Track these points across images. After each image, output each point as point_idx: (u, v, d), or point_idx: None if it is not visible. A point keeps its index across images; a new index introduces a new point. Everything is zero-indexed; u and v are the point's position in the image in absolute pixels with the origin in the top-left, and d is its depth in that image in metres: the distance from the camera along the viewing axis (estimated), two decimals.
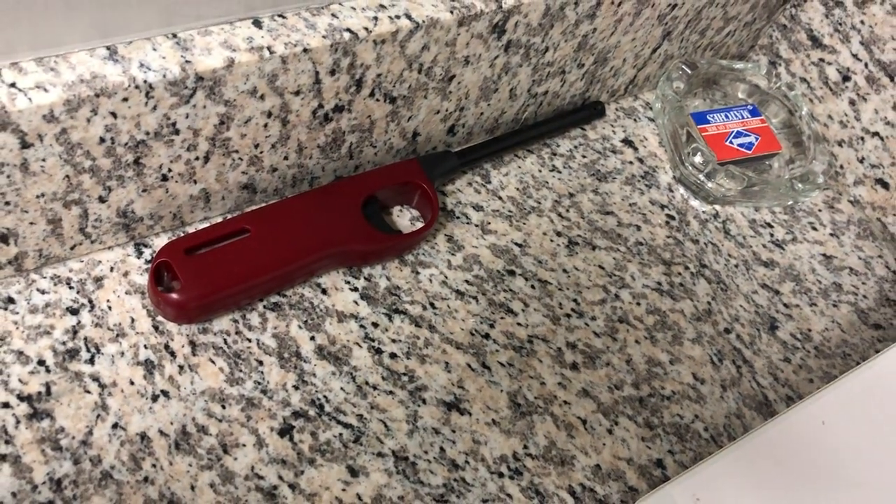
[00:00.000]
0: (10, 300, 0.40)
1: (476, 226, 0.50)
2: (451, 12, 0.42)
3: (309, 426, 0.41)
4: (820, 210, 0.60)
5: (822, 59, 0.61)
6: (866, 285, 0.56)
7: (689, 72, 0.59)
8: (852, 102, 0.59)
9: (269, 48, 0.38)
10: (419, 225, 0.49)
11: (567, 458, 0.43)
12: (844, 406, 0.46)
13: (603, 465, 0.44)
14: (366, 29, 0.40)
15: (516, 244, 0.51)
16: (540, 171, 0.55)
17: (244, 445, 0.39)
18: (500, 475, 0.42)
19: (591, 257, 0.51)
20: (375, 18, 0.41)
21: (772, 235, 0.57)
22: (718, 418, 0.47)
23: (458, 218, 0.50)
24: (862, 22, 0.57)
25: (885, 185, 0.59)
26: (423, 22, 0.41)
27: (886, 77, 0.57)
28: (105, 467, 0.37)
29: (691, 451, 0.46)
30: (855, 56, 0.58)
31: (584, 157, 0.56)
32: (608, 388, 0.46)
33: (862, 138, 0.59)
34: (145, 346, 0.41)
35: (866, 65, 0.58)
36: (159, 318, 0.42)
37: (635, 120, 0.60)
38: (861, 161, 0.60)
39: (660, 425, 0.46)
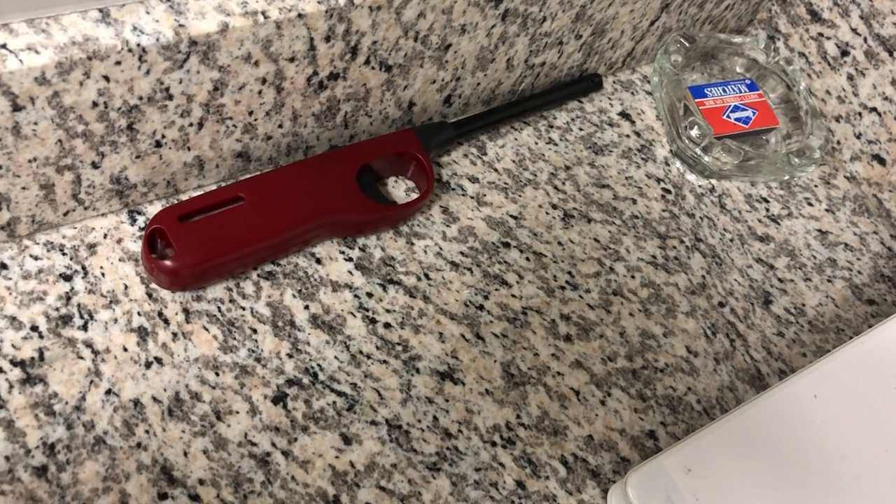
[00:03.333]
0: (3, 266, 0.40)
1: (471, 197, 0.50)
2: None
3: (302, 394, 0.41)
4: (816, 185, 0.60)
5: (820, 34, 0.60)
6: (861, 261, 0.56)
7: (688, 45, 0.59)
8: (850, 77, 0.59)
9: (263, 13, 0.37)
10: (414, 196, 0.49)
11: (560, 429, 0.43)
12: (836, 380, 0.46)
13: (595, 436, 0.44)
14: None
15: (512, 216, 0.50)
16: (536, 143, 0.54)
17: (237, 412, 0.39)
18: (493, 444, 0.42)
19: (587, 230, 0.51)
20: None
21: (767, 210, 0.57)
22: (711, 391, 0.47)
23: (453, 189, 0.50)
24: None
25: (882, 161, 0.59)
26: None
27: (885, 52, 0.56)
28: (98, 433, 0.37)
29: (683, 423, 0.46)
30: (854, 30, 0.58)
31: (580, 129, 0.56)
32: (601, 360, 0.46)
33: (859, 114, 0.59)
34: (139, 313, 0.41)
35: (865, 39, 0.57)
36: (153, 285, 0.42)
37: (633, 93, 0.60)
38: (858, 137, 0.60)
39: (652, 397, 0.46)
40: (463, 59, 0.48)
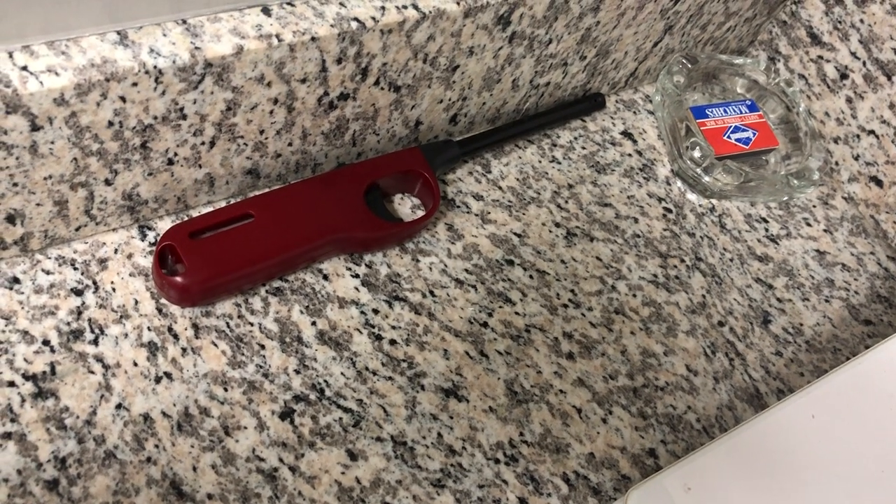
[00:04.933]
0: (16, 280, 0.40)
1: (476, 215, 0.51)
2: (458, 3, 0.42)
3: (309, 410, 0.41)
4: (814, 206, 0.61)
5: (820, 57, 0.61)
6: (858, 281, 0.57)
7: (690, 66, 0.60)
8: (849, 100, 0.60)
9: (277, 36, 0.38)
10: (420, 213, 0.50)
11: (562, 446, 0.44)
12: (834, 401, 0.47)
13: (597, 454, 0.44)
14: (373, 18, 0.40)
15: (515, 234, 0.51)
16: (540, 161, 0.55)
17: (245, 428, 0.40)
18: (497, 461, 0.43)
19: (589, 248, 0.52)
20: (383, 8, 0.41)
21: (767, 230, 0.58)
22: (710, 410, 0.48)
23: (458, 207, 0.51)
24: (861, 20, 0.58)
25: (879, 183, 0.59)
26: (430, 13, 0.42)
27: (884, 76, 0.57)
28: (108, 447, 0.38)
29: (683, 441, 0.46)
30: (853, 54, 0.59)
31: (583, 148, 0.57)
32: (603, 378, 0.47)
33: (858, 136, 0.60)
34: (149, 329, 0.41)
35: (864, 63, 0.58)
36: (163, 300, 0.42)
37: (635, 112, 0.61)
38: (856, 158, 0.61)
39: (653, 415, 0.47)
40: (470, 79, 0.49)
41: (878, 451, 0.46)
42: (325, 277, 0.46)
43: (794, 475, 0.45)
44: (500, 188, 0.53)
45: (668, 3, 0.54)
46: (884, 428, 0.47)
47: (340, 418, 0.41)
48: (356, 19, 0.40)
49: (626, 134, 0.59)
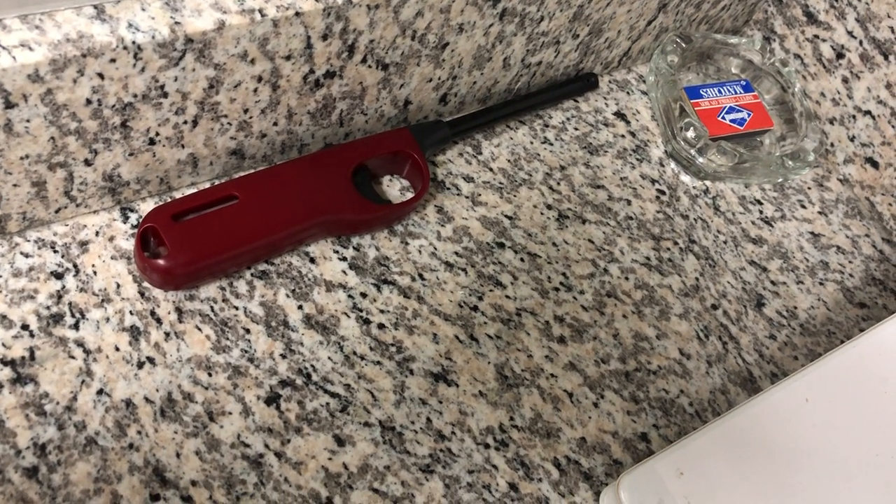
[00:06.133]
0: None
1: (466, 197, 0.50)
2: None
3: (296, 395, 0.40)
4: (809, 188, 0.60)
5: (816, 36, 0.60)
6: (853, 264, 0.56)
7: (684, 45, 0.59)
8: (845, 80, 0.59)
9: (260, 11, 0.37)
10: (409, 195, 0.49)
11: (553, 431, 0.43)
12: (828, 384, 0.47)
13: (588, 438, 0.44)
14: None
15: (506, 216, 0.50)
16: (531, 142, 0.54)
17: (230, 413, 0.39)
18: (486, 446, 0.42)
19: (581, 231, 0.51)
20: None
21: (761, 212, 0.57)
22: (703, 394, 0.47)
23: (448, 189, 0.50)
24: None
25: (875, 165, 0.59)
26: None
27: (881, 55, 0.57)
28: (90, 433, 0.37)
29: (676, 425, 0.46)
30: (850, 33, 0.58)
31: (576, 129, 0.56)
32: (595, 362, 0.46)
33: (854, 116, 0.59)
34: (131, 312, 0.40)
35: (861, 42, 0.58)
36: (145, 283, 0.41)
37: (628, 93, 0.60)
38: (852, 139, 0.60)
39: (645, 399, 0.46)
40: (460, 57, 0.48)
41: (871, 434, 0.46)
42: (312, 260, 0.45)
43: (788, 459, 0.44)
44: (490, 169, 0.52)
45: None
46: (877, 412, 0.47)
47: (327, 403, 0.41)
48: None
49: (620, 115, 0.58)
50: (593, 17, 0.52)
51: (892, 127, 0.57)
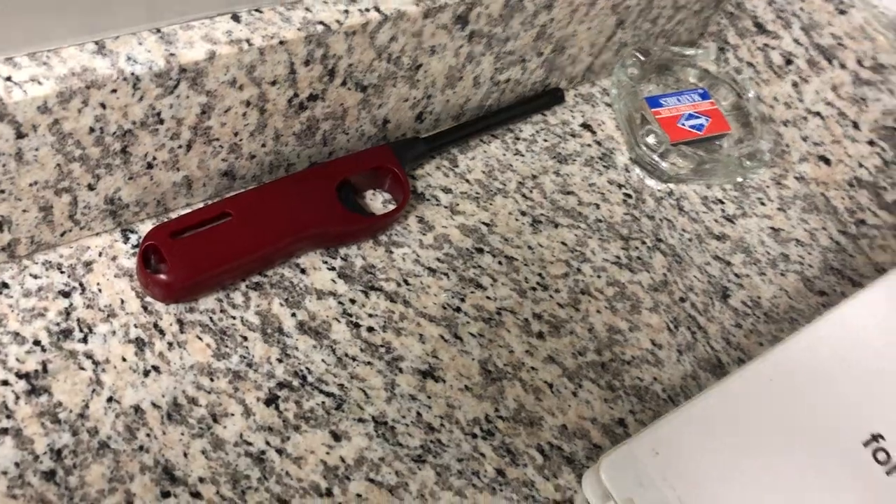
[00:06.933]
0: (5, 285, 0.42)
1: (445, 207, 0.53)
2: (417, 4, 0.45)
3: (293, 396, 0.43)
4: (768, 186, 0.64)
5: (766, 45, 0.64)
6: (811, 255, 0.60)
7: (643, 58, 0.63)
8: (795, 84, 0.63)
9: (247, 41, 0.40)
10: (391, 207, 0.52)
11: (535, 419, 0.46)
12: (790, 365, 0.50)
13: (569, 425, 0.47)
14: (337, 21, 0.43)
15: (484, 223, 0.54)
16: (504, 154, 0.58)
17: (233, 415, 0.42)
18: (474, 436, 0.45)
19: (554, 234, 0.55)
20: (346, 11, 0.43)
21: (723, 211, 0.60)
22: (675, 380, 0.51)
23: (428, 200, 0.53)
24: (801, 9, 0.61)
25: (827, 162, 0.63)
26: (391, 14, 0.44)
27: (825, 60, 0.61)
28: (102, 437, 0.39)
29: (650, 410, 0.49)
30: (796, 41, 0.62)
31: (545, 140, 0.60)
32: (572, 355, 0.50)
33: (805, 118, 0.63)
34: (135, 326, 0.43)
35: (807, 49, 0.62)
36: (147, 298, 0.44)
37: (593, 105, 0.63)
38: (804, 139, 0.64)
39: (621, 387, 0.49)
40: (433, 78, 0.51)
41: (833, 410, 0.49)
42: (303, 271, 0.48)
43: (756, 435, 0.47)
44: (467, 181, 0.55)
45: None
46: (838, 389, 0.50)
47: (323, 402, 0.44)
48: (321, 23, 0.42)
49: (586, 126, 0.62)
50: (555, 35, 0.56)
51: (840, 126, 0.61)
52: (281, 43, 0.41)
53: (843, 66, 0.60)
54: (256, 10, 0.42)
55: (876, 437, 0.48)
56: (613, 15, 0.58)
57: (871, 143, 0.60)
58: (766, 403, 0.49)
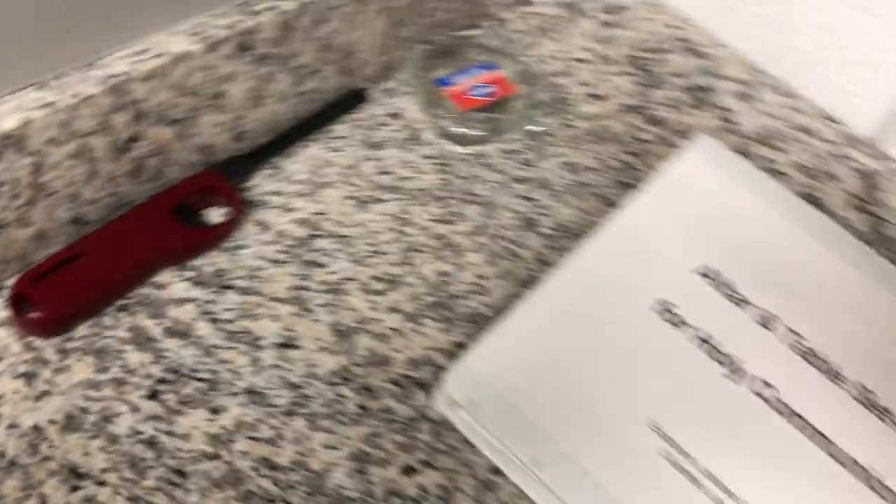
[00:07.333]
0: None
1: (279, 207, 0.62)
2: (199, 43, 0.53)
3: (171, 388, 0.51)
4: (558, 129, 0.74)
5: (529, 13, 0.75)
6: (604, 177, 0.70)
7: (429, 48, 0.72)
8: (560, 41, 0.74)
9: (55, 103, 0.48)
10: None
11: (386, 359, 0.55)
12: (597, 256, 0.60)
13: (415, 357, 0.55)
14: (131, 71, 0.51)
15: (315, 213, 0.62)
16: (324, 153, 0.66)
17: (122, 414, 0.49)
18: (334, 384, 0.53)
19: (379, 209, 0.64)
20: (140, 60, 0.51)
21: (523, 158, 0.70)
22: (501, 301, 0.60)
23: (262, 205, 0.61)
24: None
25: (599, 97, 0.73)
26: (178, 55, 0.52)
27: (576, 14, 0.72)
28: (9, 458, 0.46)
29: (483, 329, 0.58)
30: (556, 4, 0.73)
31: (358, 134, 0.69)
32: (409, 301, 0.58)
33: (573, 66, 0.74)
34: (22, 363, 0.50)
35: (559, 7, 0.72)
36: (29, 338, 0.51)
37: (396, 97, 0.73)
38: (581, 84, 0.74)
39: (455, 318, 0.58)
40: (237, 101, 0.60)
41: (626, 293, 0.59)
42: (161, 287, 0.55)
43: (565, 327, 0.57)
44: (294, 182, 0.64)
45: (385, 2, 0.66)
46: (627, 272, 0.60)
47: (198, 387, 0.51)
48: (118, 74, 0.50)
49: (392, 115, 0.71)
50: (338, 43, 0.65)
51: (604, 65, 0.72)
52: (86, 98, 0.49)
53: (586, 16, 0.71)
54: (59, 77, 0.49)
55: (662, 303, 0.59)
56: (387, 17, 0.68)
57: (627, 73, 0.71)
58: (569, 301, 0.58)
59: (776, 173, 0.67)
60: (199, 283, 0.56)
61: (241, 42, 0.56)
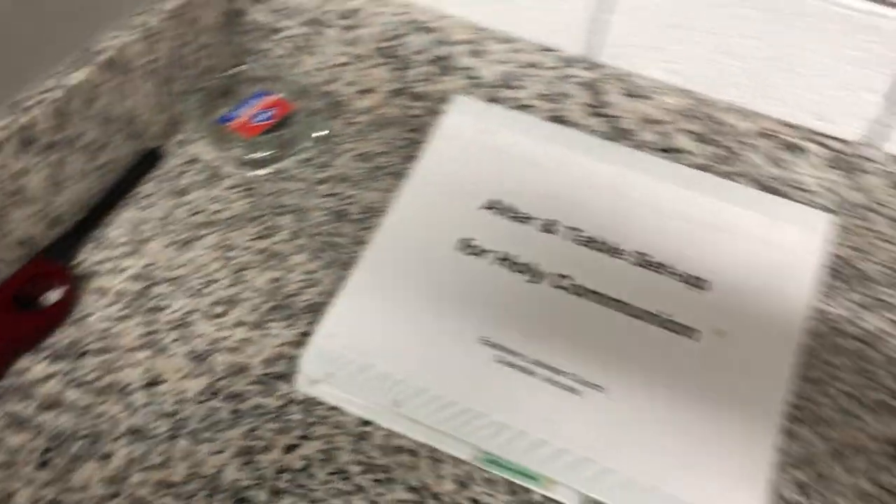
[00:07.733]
0: None
1: (111, 271, 0.67)
2: None
3: (57, 452, 0.56)
4: (342, 128, 0.82)
5: (283, 38, 0.83)
6: (394, 158, 0.79)
7: (202, 93, 0.79)
8: (317, 54, 0.82)
9: None
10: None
11: (244, 367, 0.62)
12: (413, 203, 0.69)
13: (269, 356, 0.63)
14: None
15: (145, 266, 0.68)
16: (138, 213, 0.72)
17: (18, 489, 0.54)
18: (203, 402, 0.59)
19: (202, 244, 0.70)
20: None
21: (320, 162, 0.78)
22: (332, 287, 0.68)
23: (95, 275, 0.67)
24: (284, 4, 0.81)
25: (368, 91, 0.83)
26: None
27: (320, 27, 0.80)
28: None
29: (322, 314, 0.66)
30: (301, 24, 0.81)
31: (163, 187, 0.75)
32: (251, 312, 0.65)
33: (337, 70, 0.83)
34: None
35: (307, 26, 0.81)
36: None
37: (187, 145, 0.79)
38: (347, 85, 0.83)
39: (295, 313, 0.66)
40: (39, 191, 0.65)
41: (445, 237, 0.68)
42: (23, 372, 0.60)
43: (399, 284, 0.65)
44: (118, 245, 0.69)
45: (145, 64, 0.72)
46: (439, 218, 0.70)
47: (82, 444, 0.56)
48: None
49: (189, 161, 0.78)
50: (117, 112, 0.71)
51: (361, 63, 0.81)
52: None
53: (329, 26, 0.80)
54: None
55: (462, 241, 0.68)
56: (152, 79, 0.74)
57: (380, 64, 0.80)
58: (387, 264, 0.67)
59: (524, 107, 0.78)
60: (56, 357, 0.61)
61: (21, 138, 0.61)
